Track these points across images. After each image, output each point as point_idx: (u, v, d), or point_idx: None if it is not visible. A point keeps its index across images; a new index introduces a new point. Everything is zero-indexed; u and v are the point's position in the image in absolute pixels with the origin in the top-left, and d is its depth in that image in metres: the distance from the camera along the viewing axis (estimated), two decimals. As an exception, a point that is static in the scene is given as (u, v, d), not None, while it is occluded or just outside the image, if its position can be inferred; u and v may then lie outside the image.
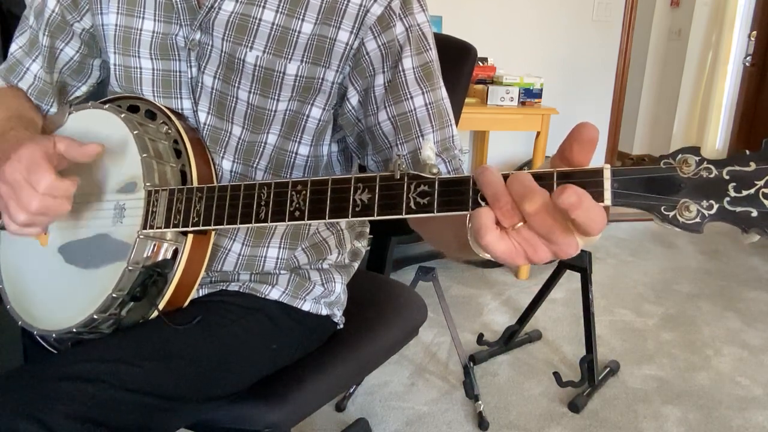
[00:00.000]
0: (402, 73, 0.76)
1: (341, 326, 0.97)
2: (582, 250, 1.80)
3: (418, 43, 0.77)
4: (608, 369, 1.91)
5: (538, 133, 2.56)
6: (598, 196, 0.44)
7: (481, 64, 2.74)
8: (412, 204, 0.53)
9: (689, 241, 3.21)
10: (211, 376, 0.77)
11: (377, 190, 0.55)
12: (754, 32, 3.54)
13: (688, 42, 4.66)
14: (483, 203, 0.48)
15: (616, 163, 3.41)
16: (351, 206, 0.56)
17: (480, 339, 1.99)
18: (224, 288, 0.86)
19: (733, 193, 0.42)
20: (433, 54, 0.80)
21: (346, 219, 0.57)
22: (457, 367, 1.91)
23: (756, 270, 2.84)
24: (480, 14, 2.97)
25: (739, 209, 0.42)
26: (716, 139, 4.70)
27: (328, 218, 0.58)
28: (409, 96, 0.76)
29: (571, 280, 1.98)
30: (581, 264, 1.80)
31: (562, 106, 2.79)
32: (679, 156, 0.43)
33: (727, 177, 0.42)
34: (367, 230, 1.07)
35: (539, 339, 2.13)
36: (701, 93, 4.61)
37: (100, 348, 0.71)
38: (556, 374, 1.75)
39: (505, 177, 0.46)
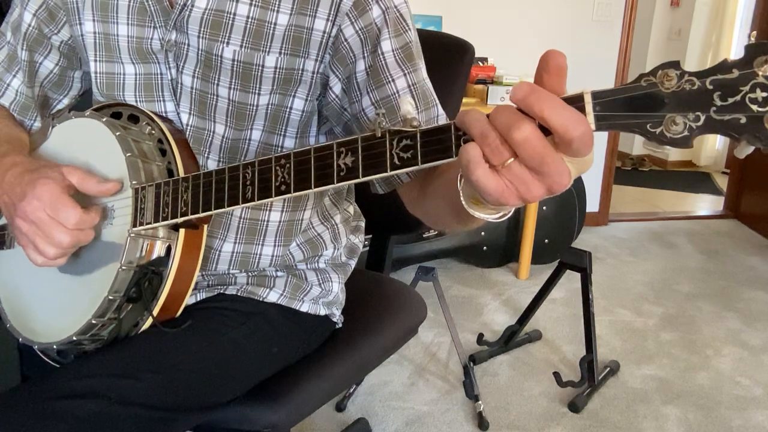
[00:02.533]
0: (382, 57, 0.75)
1: (340, 326, 0.97)
2: (582, 250, 1.80)
3: (396, 24, 0.76)
4: (608, 369, 1.91)
5: (538, 133, 2.55)
6: None
7: (481, 64, 2.74)
8: (396, 160, 0.52)
9: (689, 240, 3.21)
10: (212, 385, 0.77)
11: (360, 152, 0.54)
12: (754, 32, 3.53)
13: (688, 42, 4.66)
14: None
15: (616, 163, 3.40)
16: (335, 172, 0.56)
17: (480, 339, 1.99)
18: (222, 291, 0.85)
19: (719, 102, 0.41)
20: (412, 35, 0.78)
21: (333, 186, 0.57)
22: (457, 367, 1.91)
23: (756, 270, 2.84)
24: (480, 14, 2.96)
25: (727, 117, 0.41)
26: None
27: (314, 187, 0.57)
28: (390, 79, 0.75)
29: (571, 280, 1.98)
30: (581, 264, 1.80)
31: (562, 106, 2.78)
32: (660, 71, 0.42)
33: (710, 87, 0.41)
34: (363, 224, 1.06)
35: (539, 339, 2.13)
36: (701, 93, 4.60)
37: (99, 362, 0.70)
38: (556, 374, 1.75)
39: (487, 116, 0.46)
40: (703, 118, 0.41)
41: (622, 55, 3.17)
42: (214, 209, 0.66)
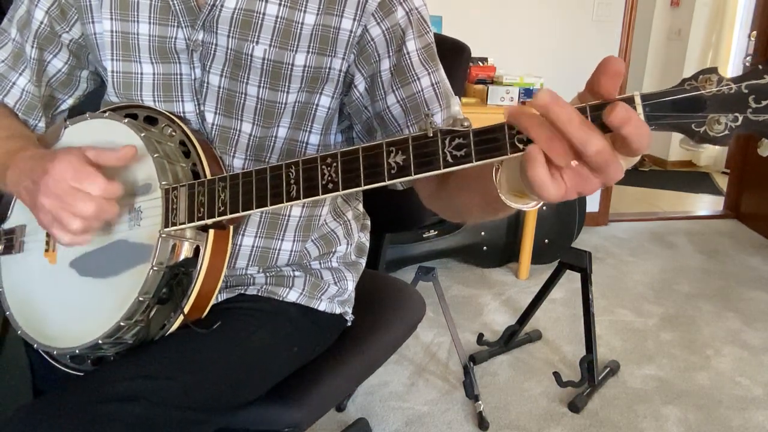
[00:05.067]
0: (407, 56, 0.78)
1: (350, 323, 0.98)
2: (582, 250, 1.80)
3: (418, 26, 0.79)
4: (608, 369, 1.91)
5: (538, 133, 2.55)
6: None
7: (481, 64, 2.74)
8: (449, 158, 0.54)
9: (689, 240, 3.21)
10: (241, 384, 0.78)
11: (411, 150, 0.56)
12: (754, 32, 3.53)
13: (688, 42, 4.66)
14: (521, 146, 0.50)
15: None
16: (386, 170, 0.57)
17: (480, 339, 1.99)
18: (242, 292, 0.86)
19: (754, 105, 0.45)
20: (432, 36, 0.82)
21: (383, 183, 0.57)
22: (457, 367, 1.91)
23: (756, 270, 2.84)
24: (480, 14, 2.96)
25: (762, 118, 0.45)
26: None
27: (364, 185, 0.58)
28: (415, 77, 0.78)
29: (571, 280, 1.98)
30: (581, 264, 1.79)
31: (562, 106, 2.78)
32: (701, 76, 0.46)
33: (746, 91, 0.45)
34: (369, 223, 1.07)
35: (539, 339, 2.13)
36: (701, 93, 4.60)
37: (134, 365, 0.70)
38: (556, 374, 1.75)
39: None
40: (741, 118, 0.46)
41: (622, 55, 3.17)
42: (256, 208, 0.65)
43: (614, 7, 3.10)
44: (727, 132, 0.46)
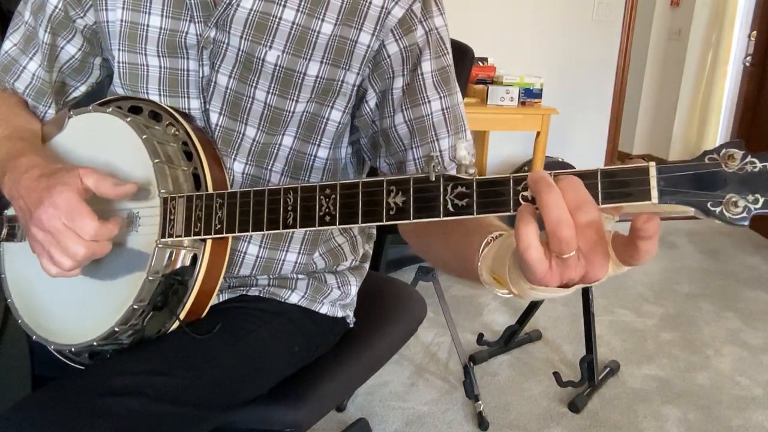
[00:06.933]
0: (420, 77, 0.76)
1: (352, 326, 0.98)
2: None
3: (436, 47, 0.77)
4: (608, 369, 1.91)
5: (538, 133, 2.56)
6: (645, 195, 0.44)
7: (481, 64, 2.74)
8: (449, 206, 0.51)
9: (689, 240, 3.21)
10: (240, 382, 0.77)
11: (411, 193, 0.53)
12: (754, 32, 3.53)
13: (688, 42, 4.66)
14: (524, 203, 0.48)
15: (616, 162, 3.41)
16: (385, 210, 0.54)
17: (480, 339, 1.99)
18: (244, 293, 0.86)
19: None
20: (450, 58, 0.79)
21: (381, 224, 0.55)
22: (457, 367, 1.91)
23: (756, 270, 2.84)
24: (480, 14, 2.97)
25: None
26: (716, 140, 4.69)
27: (362, 222, 0.56)
28: (426, 100, 0.76)
29: (571, 280, 1.98)
30: (581, 264, 1.79)
31: (562, 106, 2.79)
32: (724, 151, 0.43)
33: None
34: (374, 231, 1.07)
35: (539, 339, 2.13)
36: (701, 93, 4.61)
37: (133, 361, 0.70)
38: (556, 374, 1.75)
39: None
40: (761, 200, 0.42)
41: (622, 55, 3.18)
42: (252, 231, 0.64)
43: (614, 7, 3.10)
44: (744, 214, 0.42)
